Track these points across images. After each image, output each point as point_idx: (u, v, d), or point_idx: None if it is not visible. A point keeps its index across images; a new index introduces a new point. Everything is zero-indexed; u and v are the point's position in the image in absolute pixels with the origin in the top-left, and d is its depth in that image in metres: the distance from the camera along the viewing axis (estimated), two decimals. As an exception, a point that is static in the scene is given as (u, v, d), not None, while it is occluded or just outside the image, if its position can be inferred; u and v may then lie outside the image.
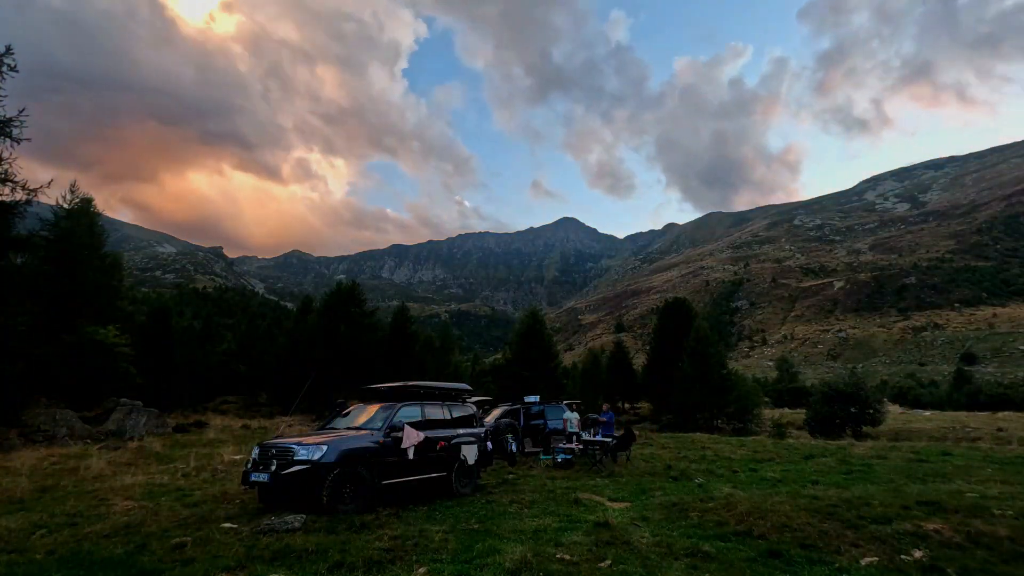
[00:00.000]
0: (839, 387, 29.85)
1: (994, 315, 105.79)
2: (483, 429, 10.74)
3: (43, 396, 18.89)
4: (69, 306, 20.73)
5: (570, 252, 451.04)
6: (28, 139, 15.39)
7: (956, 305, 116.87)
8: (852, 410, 28.29)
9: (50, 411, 17.29)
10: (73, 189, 24.31)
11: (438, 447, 9.00)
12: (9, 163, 15.23)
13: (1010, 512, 6.57)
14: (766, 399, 49.47)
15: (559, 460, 13.05)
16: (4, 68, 14.98)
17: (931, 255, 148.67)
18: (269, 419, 26.48)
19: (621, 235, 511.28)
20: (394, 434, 8.24)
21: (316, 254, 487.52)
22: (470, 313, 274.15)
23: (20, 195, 15.59)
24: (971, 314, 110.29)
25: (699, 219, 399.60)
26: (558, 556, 5.22)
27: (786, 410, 46.77)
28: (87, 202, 24.34)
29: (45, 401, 18.71)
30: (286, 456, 7.22)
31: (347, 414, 9.40)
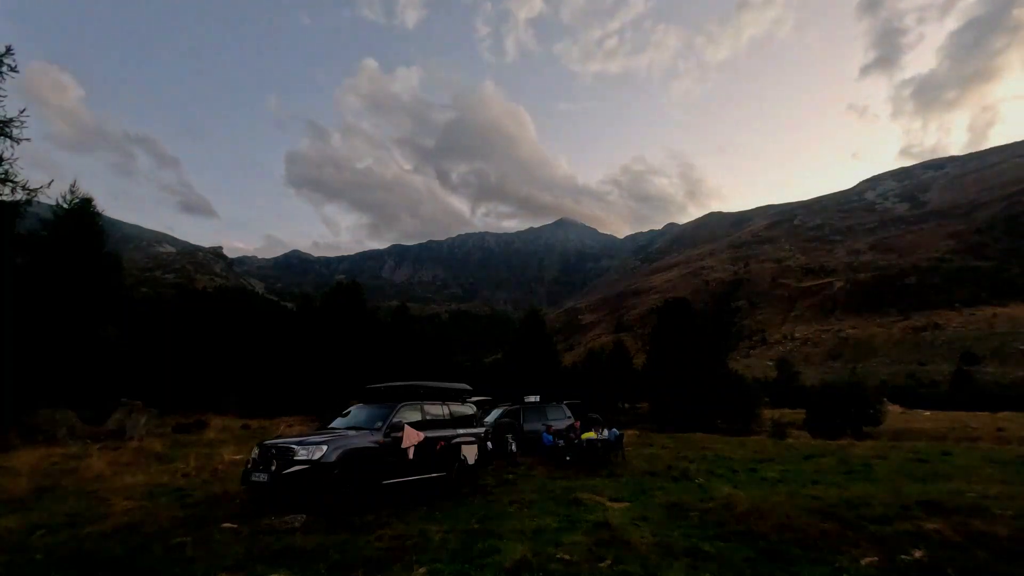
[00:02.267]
0: (839, 387, 29.91)
1: (994, 315, 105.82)
2: (483, 429, 10.75)
3: (43, 396, 18.88)
4: (69, 306, 20.72)
5: (570, 252, 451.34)
6: (28, 139, 15.38)
7: (956, 305, 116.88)
8: (852, 410, 28.35)
9: (50, 411, 17.26)
10: (73, 189, 24.31)
11: (438, 447, 9.00)
12: (9, 163, 15.22)
13: (1010, 512, 6.56)
14: (766, 399, 49.48)
15: (568, 458, 13.02)
16: (4, 68, 14.97)
17: (931, 255, 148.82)
18: (269, 419, 26.46)
19: (621, 235, 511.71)
20: (394, 434, 8.24)
21: (316, 254, 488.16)
22: (470, 313, 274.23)
23: (20, 195, 15.59)
24: (971, 314, 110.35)
25: (699, 219, 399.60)
26: (558, 556, 5.21)
27: (786, 410, 46.73)
28: (87, 202, 24.31)
29: (45, 401, 18.70)
30: (286, 456, 7.21)
31: (347, 414, 9.41)
